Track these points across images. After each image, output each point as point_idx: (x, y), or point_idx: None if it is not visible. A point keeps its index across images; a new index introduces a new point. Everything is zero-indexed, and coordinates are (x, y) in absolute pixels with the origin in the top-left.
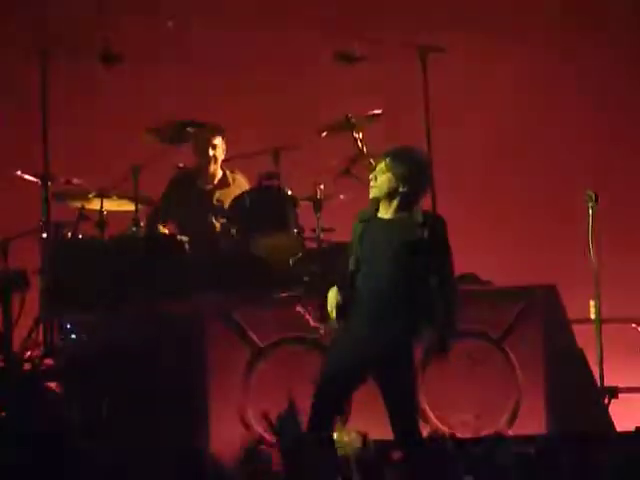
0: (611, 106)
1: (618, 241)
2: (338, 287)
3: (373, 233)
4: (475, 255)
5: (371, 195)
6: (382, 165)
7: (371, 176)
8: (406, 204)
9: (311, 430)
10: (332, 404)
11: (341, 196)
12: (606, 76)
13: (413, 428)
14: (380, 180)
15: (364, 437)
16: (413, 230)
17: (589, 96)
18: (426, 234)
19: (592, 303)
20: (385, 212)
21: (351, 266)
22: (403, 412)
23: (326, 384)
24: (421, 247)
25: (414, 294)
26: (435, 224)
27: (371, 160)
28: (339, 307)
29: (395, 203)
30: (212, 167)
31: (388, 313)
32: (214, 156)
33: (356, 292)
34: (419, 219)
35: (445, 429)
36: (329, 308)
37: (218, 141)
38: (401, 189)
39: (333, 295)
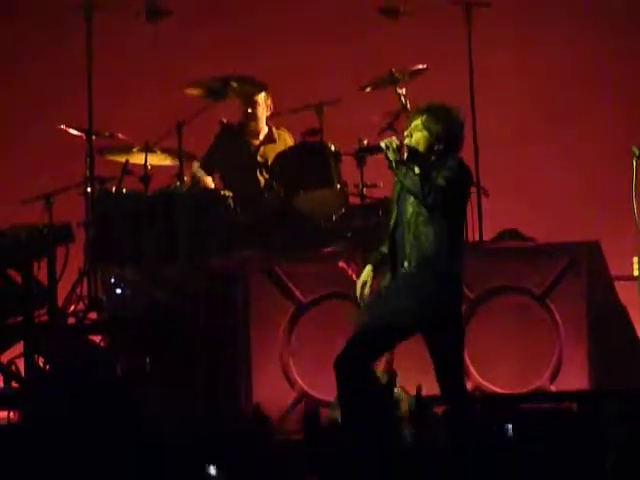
0: None
1: None
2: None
3: None
4: (518, 211)
5: (405, 153)
6: (418, 122)
7: (406, 132)
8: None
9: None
10: (373, 357)
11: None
12: None
13: (459, 384)
14: (415, 137)
15: (418, 390)
16: None
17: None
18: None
19: (636, 260)
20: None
21: (391, 223)
22: (450, 368)
23: (370, 336)
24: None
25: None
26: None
27: None
28: (367, 286)
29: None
30: (253, 124)
31: (424, 273)
32: (255, 113)
33: (395, 248)
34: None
35: (487, 384)
36: (358, 285)
37: (260, 98)
38: (436, 147)
39: (365, 273)
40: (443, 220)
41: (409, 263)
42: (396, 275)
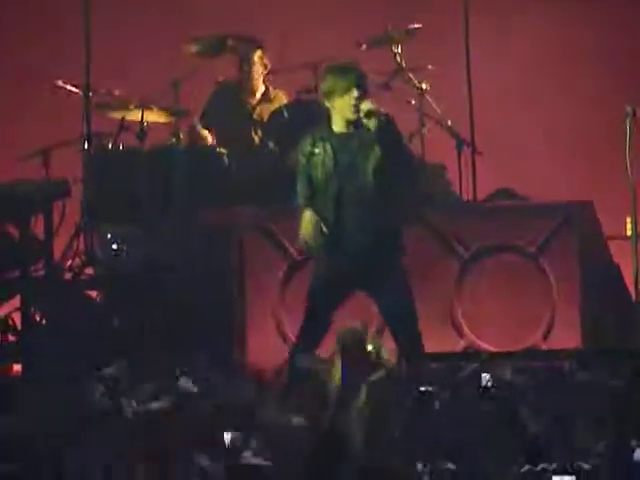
0: None
1: None
2: None
3: None
4: (512, 169)
5: None
6: None
7: None
8: None
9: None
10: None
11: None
12: None
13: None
14: None
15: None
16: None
17: None
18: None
19: (629, 220)
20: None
21: None
22: (402, 319)
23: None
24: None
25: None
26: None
27: (410, 74)
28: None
29: None
30: (256, 82)
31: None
32: (251, 71)
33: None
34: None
35: (480, 342)
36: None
37: (256, 56)
38: None
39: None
40: None
41: None
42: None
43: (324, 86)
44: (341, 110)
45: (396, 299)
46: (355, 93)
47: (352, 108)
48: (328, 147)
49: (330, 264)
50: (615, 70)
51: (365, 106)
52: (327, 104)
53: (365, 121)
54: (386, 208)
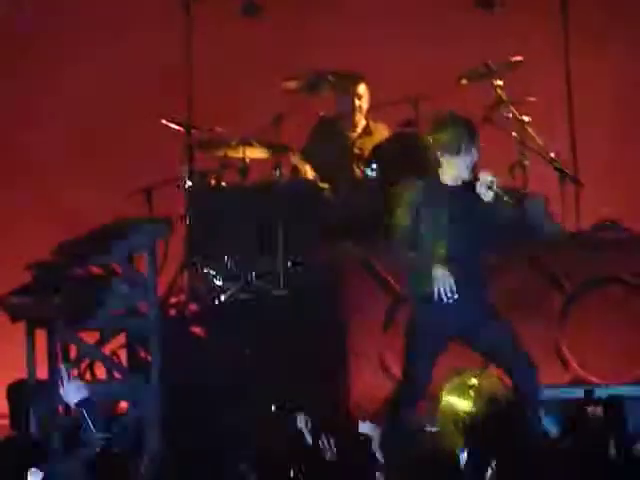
0: None
1: None
2: None
3: None
4: (615, 199)
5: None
6: None
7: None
8: None
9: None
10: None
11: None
12: None
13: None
14: None
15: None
16: None
17: None
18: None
19: None
20: None
21: None
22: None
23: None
24: None
25: None
26: None
27: (511, 107)
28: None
29: None
30: (357, 116)
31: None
32: (359, 105)
33: None
34: None
35: (586, 374)
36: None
37: (362, 90)
38: None
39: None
40: None
41: None
42: None
43: (440, 137)
44: (456, 166)
45: (502, 337)
46: (475, 155)
47: (467, 169)
48: (438, 200)
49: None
50: None
51: (489, 177)
52: (439, 155)
53: (478, 186)
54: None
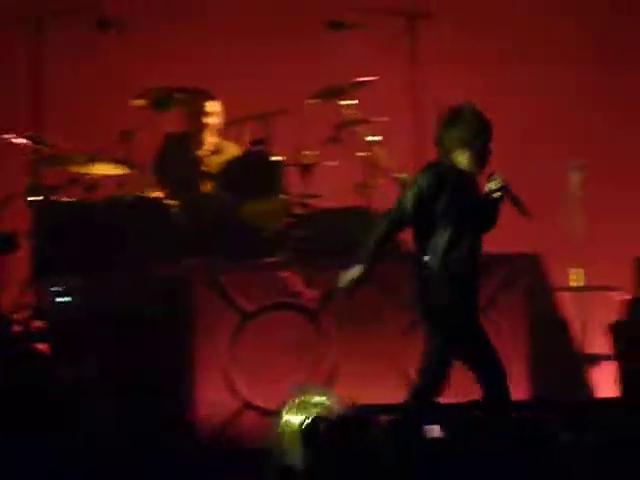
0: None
1: (600, 208)
2: None
3: None
4: None
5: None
6: None
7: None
8: None
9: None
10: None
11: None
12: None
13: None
14: None
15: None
16: None
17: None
18: None
19: (572, 271)
20: None
21: None
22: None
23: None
24: None
25: None
26: None
27: (357, 128)
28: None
29: None
30: (205, 133)
31: None
32: (207, 123)
33: None
34: None
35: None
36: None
37: (211, 107)
38: None
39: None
40: None
41: None
42: None
43: (454, 130)
44: (468, 159)
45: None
46: (488, 149)
47: (480, 162)
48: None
49: None
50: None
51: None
52: (451, 147)
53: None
54: None
